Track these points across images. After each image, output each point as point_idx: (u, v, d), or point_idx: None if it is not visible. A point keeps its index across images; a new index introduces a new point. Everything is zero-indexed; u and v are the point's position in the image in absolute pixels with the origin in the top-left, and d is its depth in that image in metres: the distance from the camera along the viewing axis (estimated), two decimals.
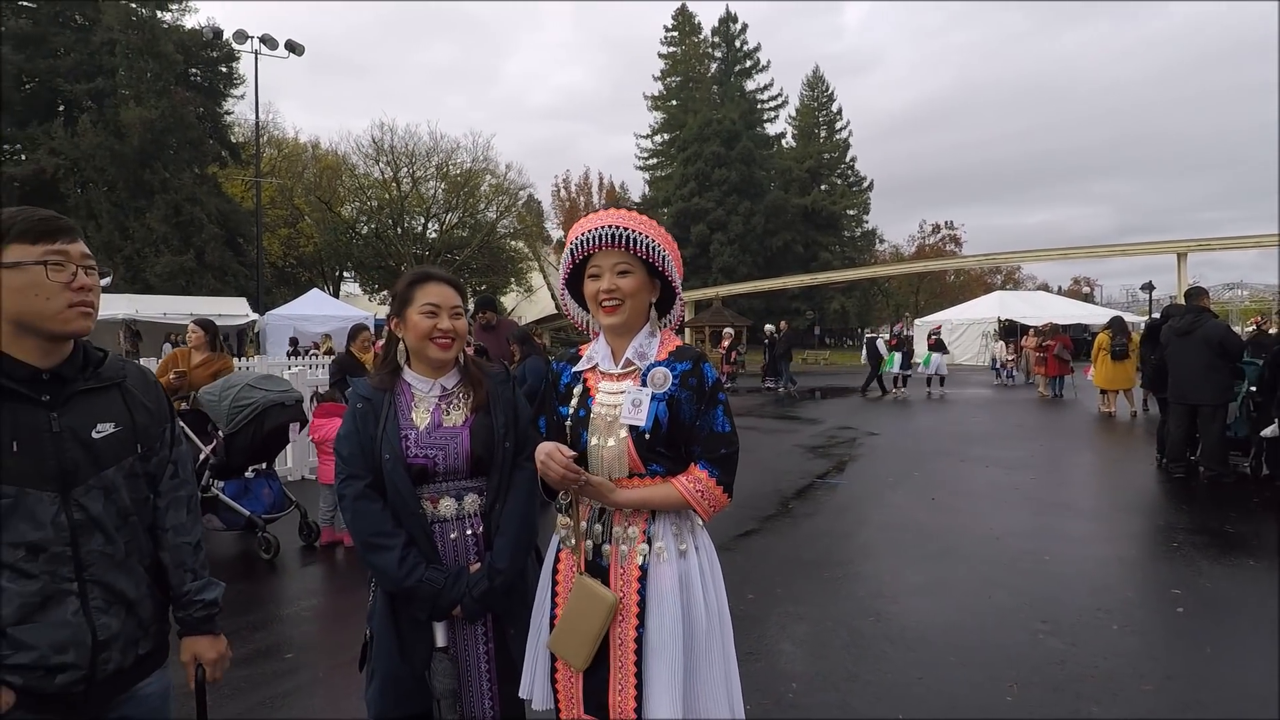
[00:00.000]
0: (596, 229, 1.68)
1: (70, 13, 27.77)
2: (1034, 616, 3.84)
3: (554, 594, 1.74)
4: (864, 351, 18.56)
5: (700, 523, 1.73)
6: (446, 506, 1.85)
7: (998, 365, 20.45)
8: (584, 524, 1.70)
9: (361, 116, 72.97)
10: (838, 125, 52.36)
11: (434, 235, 38.99)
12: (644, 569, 1.63)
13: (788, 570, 4.67)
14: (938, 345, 17.47)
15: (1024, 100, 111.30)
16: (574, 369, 1.80)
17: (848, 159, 52.38)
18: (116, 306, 17.84)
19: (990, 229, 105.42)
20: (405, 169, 37.31)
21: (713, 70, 51.17)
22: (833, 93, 52.94)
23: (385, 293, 35.26)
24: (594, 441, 1.67)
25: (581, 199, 53.70)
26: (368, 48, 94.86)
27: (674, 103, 50.55)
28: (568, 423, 1.71)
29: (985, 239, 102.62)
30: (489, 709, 1.85)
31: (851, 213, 51.69)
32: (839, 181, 51.75)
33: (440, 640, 1.80)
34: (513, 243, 41.40)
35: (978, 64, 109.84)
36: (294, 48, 23.51)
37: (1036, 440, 10.06)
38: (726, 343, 20.30)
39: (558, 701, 1.72)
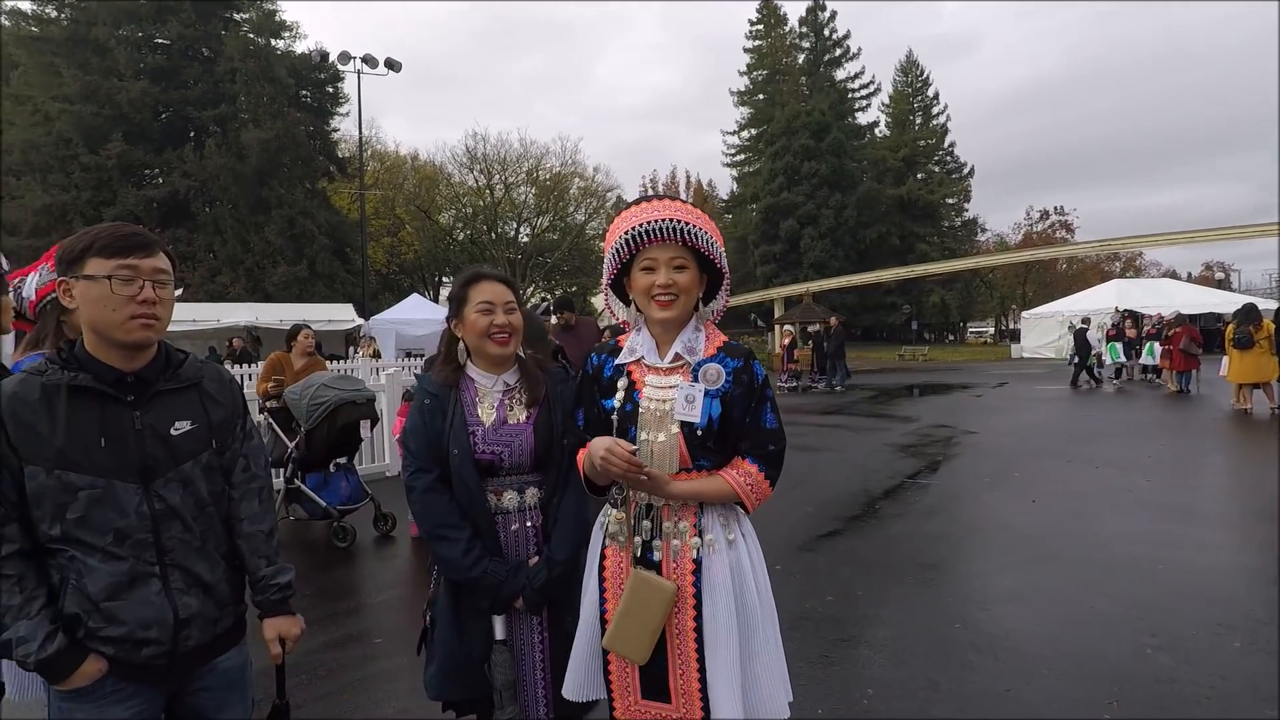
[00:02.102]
0: (655, 221, 1.62)
1: (198, 46, 30.37)
2: (1142, 629, 3.55)
3: (603, 593, 1.72)
4: (1072, 342, 18.64)
5: (743, 512, 1.72)
6: (509, 499, 1.91)
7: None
8: (632, 520, 1.70)
9: (456, 127, 75.94)
10: (934, 111, 50.35)
11: (526, 239, 40.18)
12: (698, 561, 1.64)
13: (870, 572, 4.52)
14: (1157, 334, 17.38)
15: (1142, 72, 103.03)
16: (616, 361, 1.75)
17: (945, 145, 50.29)
18: (239, 314, 20.31)
19: (1107, 212, 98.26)
20: (498, 176, 38.66)
21: (800, 61, 50.18)
22: (928, 77, 51.04)
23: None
24: (643, 436, 1.65)
25: None
26: (462, 60, 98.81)
27: (760, 97, 49.89)
28: (614, 416, 1.69)
29: (1101, 224, 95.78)
30: (542, 698, 1.90)
31: (950, 201, 49.56)
32: (936, 169, 49.71)
33: (499, 634, 1.87)
34: (602, 244, 42.03)
35: (1090, 36, 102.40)
36: (393, 65, 24.72)
37: (1156, 439, 9.27)
38: (787, 340, 19.96)
39: (611, 692, 1.72)
